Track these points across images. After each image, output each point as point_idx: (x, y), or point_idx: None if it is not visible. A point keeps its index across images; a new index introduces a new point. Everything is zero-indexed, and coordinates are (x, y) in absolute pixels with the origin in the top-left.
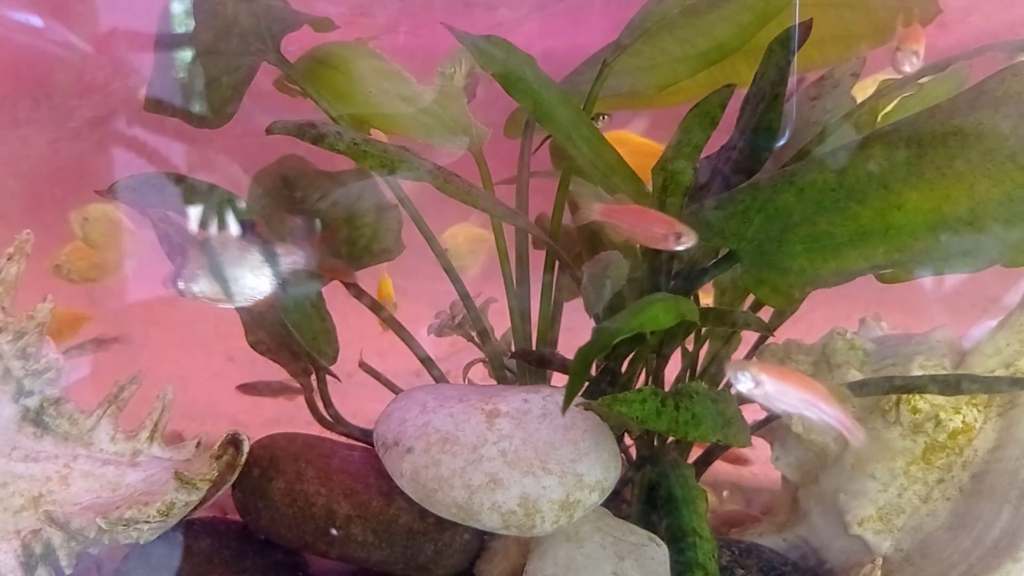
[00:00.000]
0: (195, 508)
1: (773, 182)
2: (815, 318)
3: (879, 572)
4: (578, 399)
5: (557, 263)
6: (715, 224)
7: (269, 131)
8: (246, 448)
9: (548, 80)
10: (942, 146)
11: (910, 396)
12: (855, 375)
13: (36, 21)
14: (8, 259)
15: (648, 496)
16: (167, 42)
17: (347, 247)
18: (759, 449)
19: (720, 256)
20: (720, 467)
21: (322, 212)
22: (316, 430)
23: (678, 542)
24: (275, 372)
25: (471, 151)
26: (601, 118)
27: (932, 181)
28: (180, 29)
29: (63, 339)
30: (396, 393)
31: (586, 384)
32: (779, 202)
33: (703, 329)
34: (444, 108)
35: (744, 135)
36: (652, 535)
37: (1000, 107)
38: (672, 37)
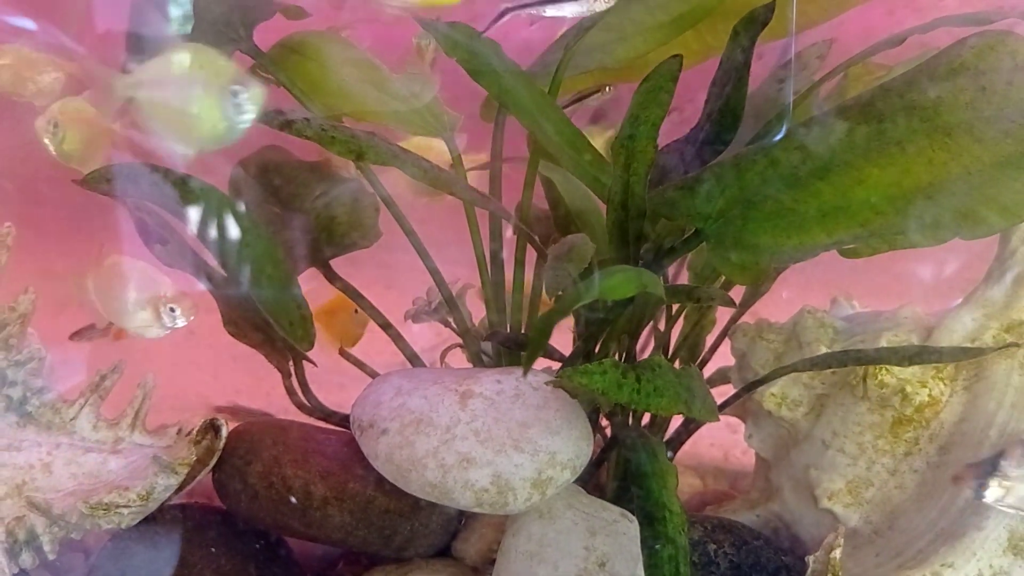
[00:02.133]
0: (175, 493)
1: (737, 161)
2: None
3: (841, 540)
4: (549, 378)
5: (533, 250)
6: (680, 204)
7: None
8: (224, 433)
9: (513, 65)
10: (901, 120)
11: (877, 370)
12: (824, 351)
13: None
14: None
15: (624, 475)
16: (139, 32)
17: (325, 234)
18: (739, 434)
19: (686, 236)
20: (704, 451)
21: (300, 200)
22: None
23: (648, 516)
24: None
25: (443, 139)
26: (605, 89)
27: (892, 156)
28: (152, 20)
29: None
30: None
31: (560, 366)
32: (743, 181)
33: (674, 309)
34: (416, 95)
35: (710, 118)
36: (624, 512)
37: (956, 79)
38: (642, 5)
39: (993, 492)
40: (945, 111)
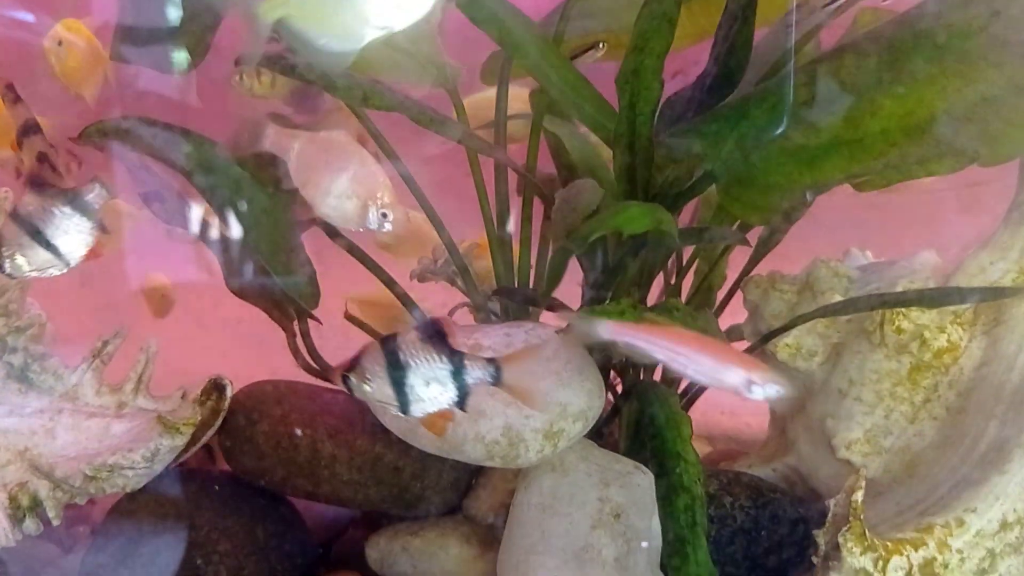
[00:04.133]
0: (181, 455)
1: (745, 101)
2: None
3: (863, 482)
4: (560, 329)
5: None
6: (690, 147)
7: (237, 63)
8: (229, 392)
9: (515, 10)
10: (913, 51)
11: (894, 316)
12: (839, 300)
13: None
14: None
15: (636, 430)
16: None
17: None
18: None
19: (696, 178)
20: (715, 418)
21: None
22: None
23: (662, 466)
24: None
25: (445, 88)
26: (597, 46)
27: (905, 86)
28: None
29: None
30: None
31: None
32: (752, 119)
33: (684, 260)
34: (416, 46)
35: (717, 60)
36: (638, 464)
37: (969, 6)
38: None
39: None
40: (958, 38)
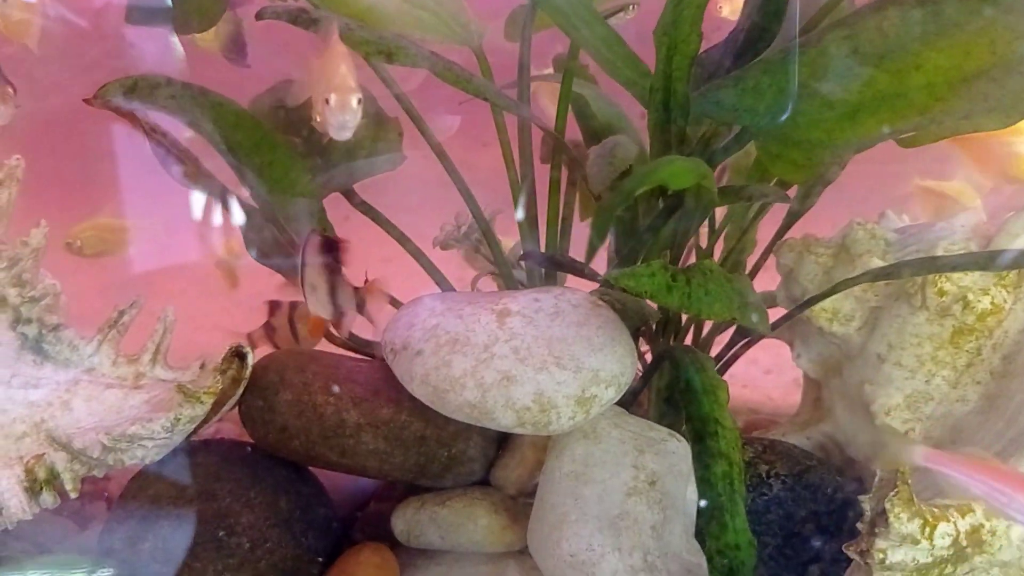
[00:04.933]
0: (201, 424)
1: (784, 55)
2: None
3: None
4: (593, 292)
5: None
6: (726, 101)
7: (259, 16)
8: (250, 360)
9: None
10: (959, 2)
11: (936, 278)
12: (877, 263)
13: None
14: None
15: (667, 397)
16: None
17: (346, 159)
18: (774, 374)
19: (733, 135)
20: (735, 391)
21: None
22: None
23: (699, 432)
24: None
25: (470, 47)
26: (629, 8)
27: (951, 38)
28: None
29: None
30: None
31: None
32: (791, 74)
33: (717, 225)
34: (439, 4)
35: (751, 16)
36: (672, 431)
37: None
38: None
39: None
40: None
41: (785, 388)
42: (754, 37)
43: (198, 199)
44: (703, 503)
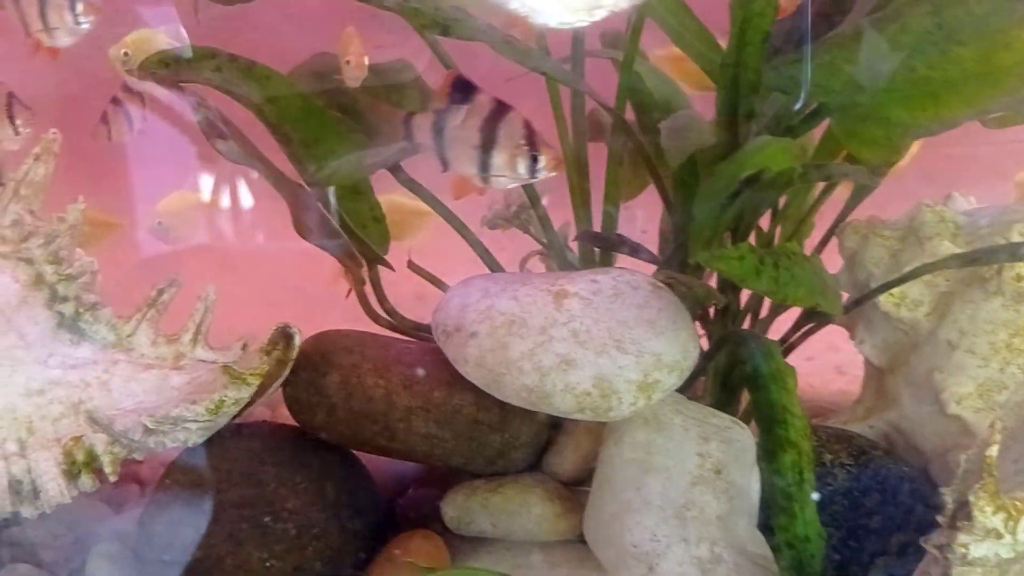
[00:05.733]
0: (245, 407)
1: (862, 30)
2: None
3: (999, 436)
4: (656, 275)
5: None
6: (801, 78)
7: None
8: (297, 341)
9: None
10: None
11: (1014, 263)
12: (948, 247)
13: None
14: (35, 159)
15: (724, 383)
16: None
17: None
18: (815, 361)
19: (807, 112)
20: None
21: (364, 102)
22: None
23: (767, 420)
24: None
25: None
26: None
27: None
28: None
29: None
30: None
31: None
32: (870, 49)
33: (775, 209)
34: None
35: None
36: (735, 419)
37: None
38: None
39: None
40: None
41: (826, 376)
42: (827, 11)
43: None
44: (771, 493)
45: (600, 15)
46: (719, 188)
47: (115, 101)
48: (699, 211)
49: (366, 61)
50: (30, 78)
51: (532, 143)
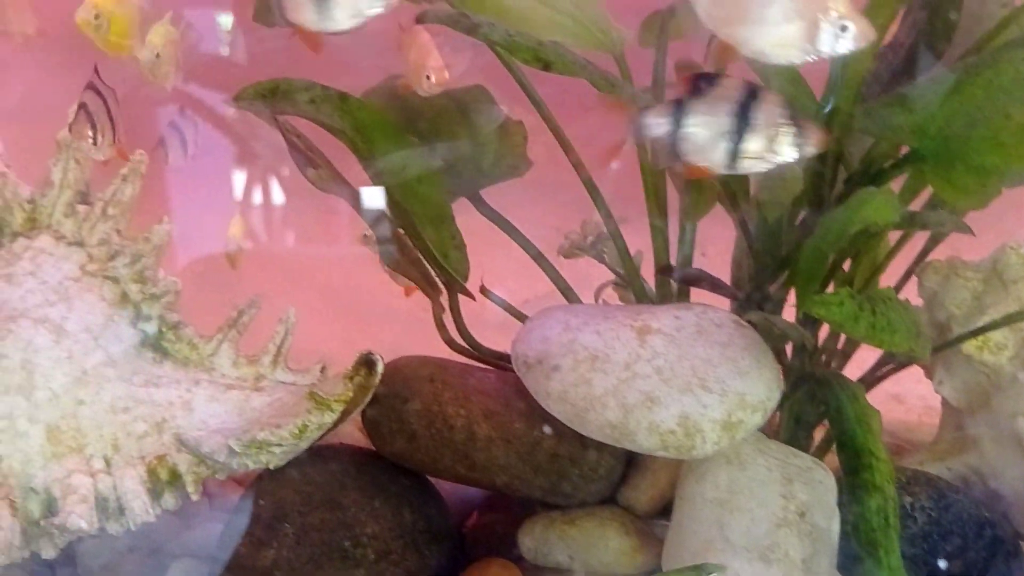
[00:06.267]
0: (327, 432)
1: (957, 74)
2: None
3: None
4: (729, 316)
5: None
6: (894, 121)
7: (420, 20)
8: (380, 369)
9: None
10: None
11: None
12: None
13: None
14: (123, 180)
15: (796, 420)
16: None
17: (472, 164)
18: (878, 386)
19: (901, 156)
20: None
21: (440, 129)
22: None
23: (852, 464)
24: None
25: (612, 53)
26: None
27: None
28: None
29: None
30: (520, 320)
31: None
32: (965, 95)
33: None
34: (581, 9)
35: (915, 27)
36: (816, 460)
37: None
38: None
39: None
40: None
41: (885, 404)
42: (918, 54)
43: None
44: (855, 537)
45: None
46: (826, 244)
47: (172, 125)
48: (804, 264)
49: (447, 75)
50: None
51: (794, 121)
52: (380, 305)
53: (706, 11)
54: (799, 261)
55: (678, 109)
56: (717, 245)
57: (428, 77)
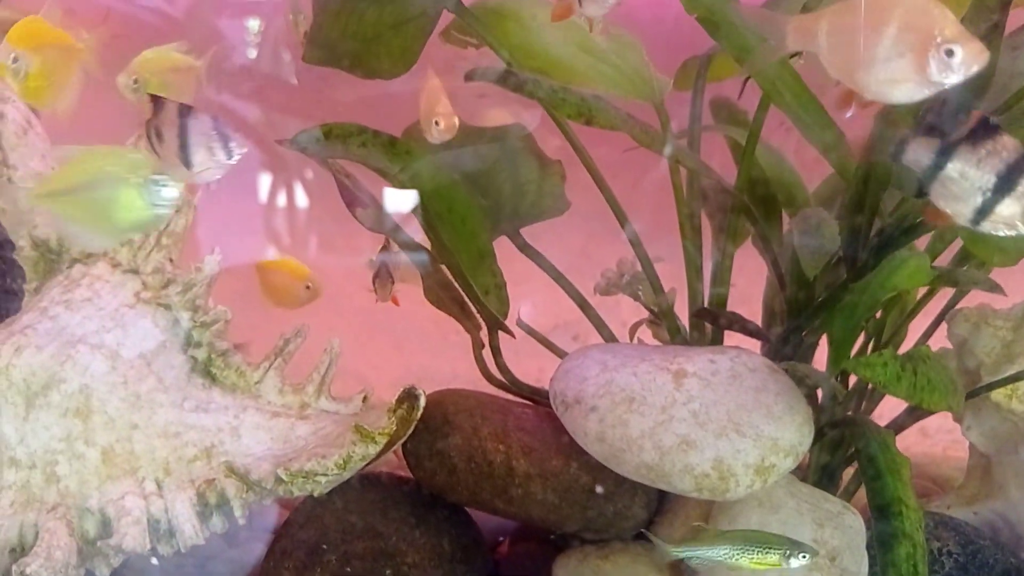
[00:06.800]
0: (369, 463)
1: None
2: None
3: None
4: (764, 360)
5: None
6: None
7: (468, 78)
8: (422, 403)
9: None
10: None
11: None
12: None
13: None
14: (176, 212)
15: (827, 463)
16: None
17: (511, 204)
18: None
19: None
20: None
21: (481, 170)
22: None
23: (883, 511)
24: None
25: (652, 102)
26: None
27: None
28: None
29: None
30: (555, 353)
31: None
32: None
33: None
34: (623, 59)
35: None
36: (846, 504)
37: None
38: None
39: None
40: None
41: (910, 438)
42: (950, 108)
43: None
44: None
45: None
46: (861, 310)
47: None
48: (839, 329)
49: (456, 121)
50: None
51: None
52: (413, 327)
53: (827, 59)
54: (834, 325)
55: (948, 148)
56: (746, 275)
57: (437, 123)
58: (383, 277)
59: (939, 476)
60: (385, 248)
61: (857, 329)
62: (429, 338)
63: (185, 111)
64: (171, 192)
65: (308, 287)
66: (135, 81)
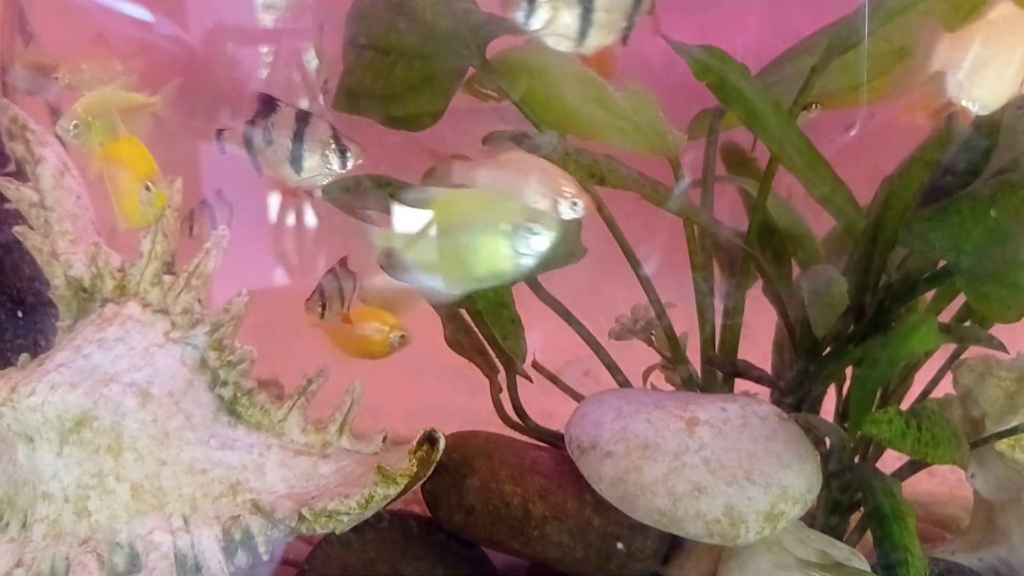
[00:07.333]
0: (389, 502)
1: (991, 192)
2: None
3: None
4: (773, 408)
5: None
6: (931, 235)
7: (486, 141)
8: (442, 445)
9: (760, 89)
10: None
11: None
12: None
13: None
14: (205, 253)
15: (834, 508)
16: (359, 43)
17: None
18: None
19: (935, 270)
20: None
21: None
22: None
23: (889, 560)
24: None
25: (667, 157)
26: (812, 107)
27: None
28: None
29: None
30: (570, 395)
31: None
32: (1000, 212)
33: None
34: (639, 114)
35: (953, 151)
36: (853, 550)
37: None
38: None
39: None
40: None
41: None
42: (959, 168)
43: None
44: None
45: None
46: (876, 376)
47: (203, 203)
48: (856, 396)
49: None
50: None
51: None
52: (430, 360)
53: (958, 83)
54: (852, 395)
55: None
56: (754, 315)
57: (575, 204)
58: (331, 295)
59: (945, 516)
60: (342, 266)
61: (873, 396)
62: (445, 371)
63: (302, 116)
64: (542, 241)
65: (403, 336)
66: (75, 126)
